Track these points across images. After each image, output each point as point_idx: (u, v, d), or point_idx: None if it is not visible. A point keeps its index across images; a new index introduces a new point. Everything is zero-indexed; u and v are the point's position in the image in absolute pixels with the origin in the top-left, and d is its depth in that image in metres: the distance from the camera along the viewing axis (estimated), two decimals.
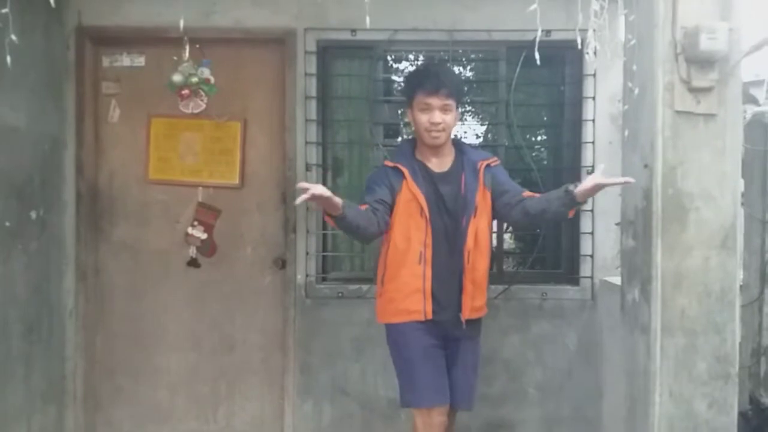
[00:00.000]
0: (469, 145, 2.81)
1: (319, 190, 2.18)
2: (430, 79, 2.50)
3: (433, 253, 2.48)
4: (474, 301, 2.53)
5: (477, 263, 2.52)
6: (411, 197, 2.48)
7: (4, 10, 1.98)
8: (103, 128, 3.41)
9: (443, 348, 2.56)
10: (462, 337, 2.58)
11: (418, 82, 2.54)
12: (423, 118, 2.50)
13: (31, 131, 3.01)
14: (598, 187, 2.27)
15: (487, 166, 2.59)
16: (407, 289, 2.48)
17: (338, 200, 2.24)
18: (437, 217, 2.50)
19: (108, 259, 3.43)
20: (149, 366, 3.43)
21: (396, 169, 2.53)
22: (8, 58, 2.03)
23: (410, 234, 2.47)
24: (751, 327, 2.93)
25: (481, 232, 2.54)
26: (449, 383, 2.55)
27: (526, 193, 2.54)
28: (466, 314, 2.52)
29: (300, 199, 2.17)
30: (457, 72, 3.36)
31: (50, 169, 3.19)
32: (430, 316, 2.47)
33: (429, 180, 2.54)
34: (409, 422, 2.61)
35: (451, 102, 2.50)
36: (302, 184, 2.20)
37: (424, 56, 3.52)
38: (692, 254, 2.14)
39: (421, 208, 2.47)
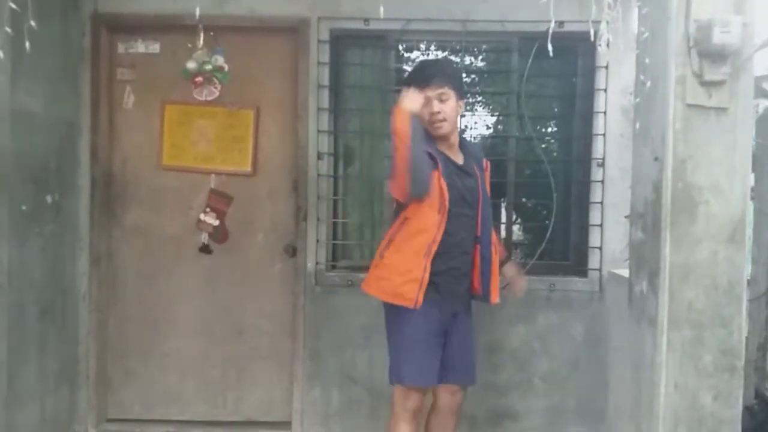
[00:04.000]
0: (463, 137, 2.85)
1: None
2: (421, 73, 2.57)
3: (443, 246, 2.48)
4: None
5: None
6: (437, 190, 2.46)
7: None
8: (117, 114, 3.44)
9: (442, 335, 2.58)
10: (460, 312, 2.63)
11: (411, 79, 2.58)
12: (424, 112, 2.52)
13: (47, 116, 3.04)
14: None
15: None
16: (408, 275, 2.46)
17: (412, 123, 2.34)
18: (459, 208, 2.52)
19: (121, 244, 3.47)
20: (160, 350, 3.47)
21: (430, 156, 2.48)
22: (27, 44, 2.05)
23: (426, 226, 2.46)
24: (758, 321, 2.93)
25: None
26: (452, 362, 2.61)
27: None
28: (496, 298, 2.66)
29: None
30: (455, 62, 3.35)
31: (66, 153, 3.23)
32: (419, 306, 2.45)
33: (453, 172, 2.55)
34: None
35: (447, 89, 2.53)
36: None
37: (436, 46, 3.52)
38: (701, 247, 2.13)
39: (442, 204, 2.46)
